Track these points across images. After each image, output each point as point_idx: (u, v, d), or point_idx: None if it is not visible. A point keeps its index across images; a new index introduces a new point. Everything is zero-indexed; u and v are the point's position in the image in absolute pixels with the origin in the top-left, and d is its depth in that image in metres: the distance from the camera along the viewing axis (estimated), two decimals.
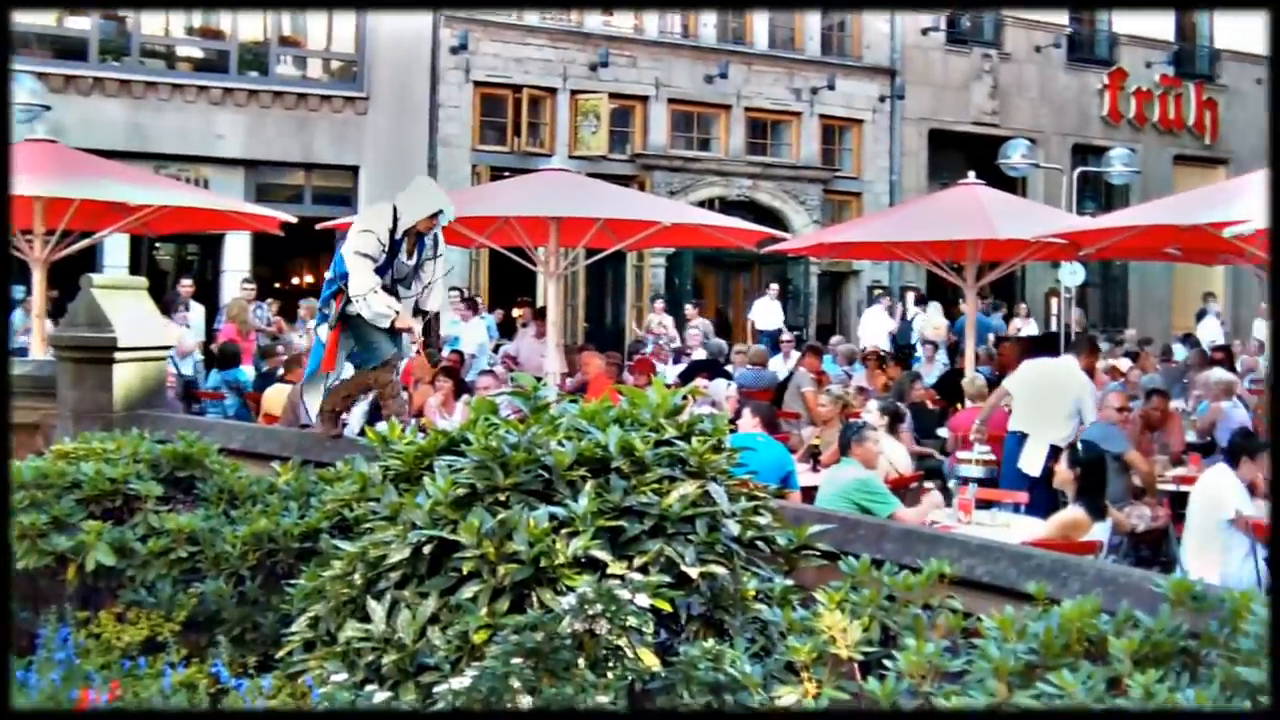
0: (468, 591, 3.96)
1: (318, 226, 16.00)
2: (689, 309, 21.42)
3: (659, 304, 21.55)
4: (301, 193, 21.98)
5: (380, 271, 8.11)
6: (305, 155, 21.61)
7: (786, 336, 19.75)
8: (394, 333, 8.28)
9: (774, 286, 23.27)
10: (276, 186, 21.80)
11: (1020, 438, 10.38)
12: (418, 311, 8.41)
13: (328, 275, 8.45)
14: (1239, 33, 29.98)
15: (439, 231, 8.45)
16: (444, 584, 4.07)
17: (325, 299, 8.36)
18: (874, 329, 22.28)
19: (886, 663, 3.49)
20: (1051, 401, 10.33)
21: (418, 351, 8.56)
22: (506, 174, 20.13)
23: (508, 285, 21.66)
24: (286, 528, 5.40)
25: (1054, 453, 9.94)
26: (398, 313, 8.16)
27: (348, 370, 8.43)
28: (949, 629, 3.78)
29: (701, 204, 22.64)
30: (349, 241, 8.17)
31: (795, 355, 17.38)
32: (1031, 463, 10.09)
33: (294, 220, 14.85)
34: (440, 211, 8.18)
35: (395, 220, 8.12)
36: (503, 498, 4.22)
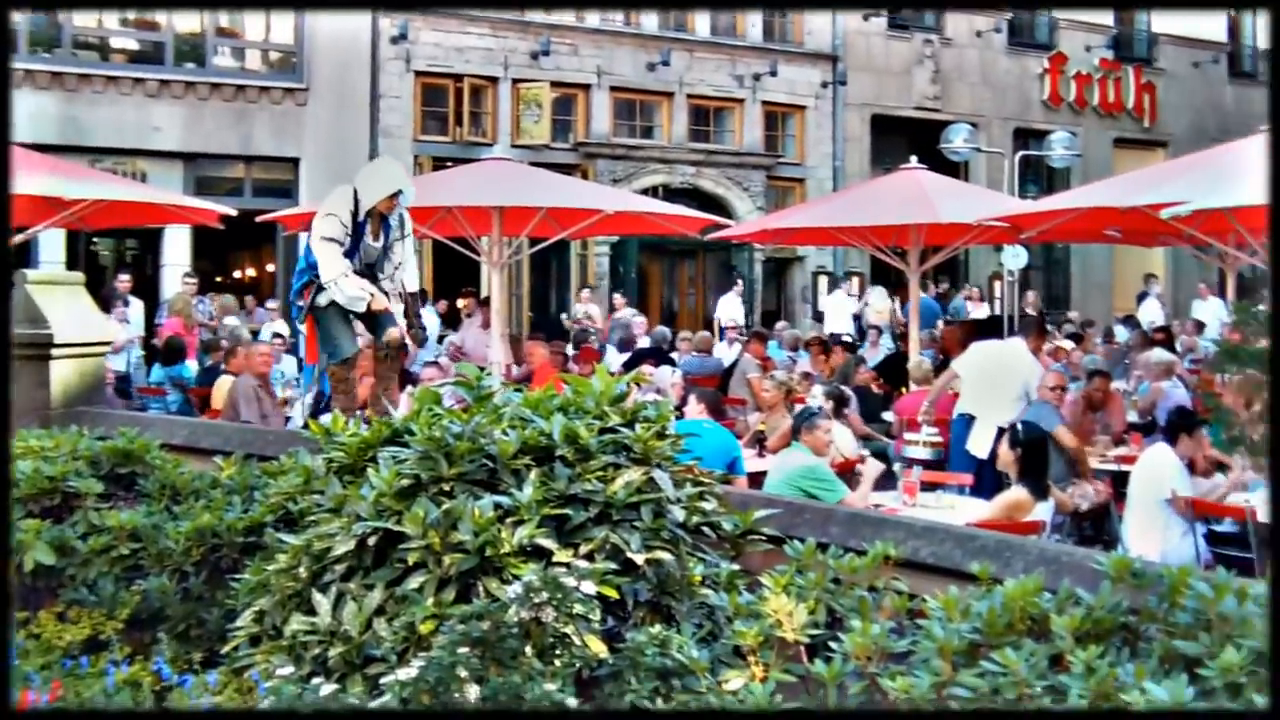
0: (413, 582, 3.96)
1: (258, 219, 15.91)
2: (617, 298, 21.38)
3: (585, 293, 21.51)
4: (241, 185, 21.82)
5: (348, 255, 8.03)
6: (244, 148, 21.44)
7: (728, 322, 19.81)
8: (371, 316, 8.20)
9: (739, 283, 23.39)
10: (216, 179, 21.62)
11: (968, 420, 10.46)
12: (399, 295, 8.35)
13: (297, 267, 8.37)
14: (1176, 17, 30.35)
15: (404, 212, 8.37)
16: (389, 575, 4.06)
17: (296, 291, 8.27)
18: (838, 314, 22.42)
19: (833, 645, 3.51)
20: (1000, 384, 10.41)
21: (398, 343, 8.43)
22: (449, 164, 20.07)
23: (452, 275, 21.59)
24: (230, 522, 5.37)
25: (1002, 435, 10.04)
26: (373, 294, 8.08)
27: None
28: (894, 610, 3.81)
29: (645, 192, 22.67)
30: (314, 228, 8.10)
31: (740, 341, 17.45)
32: (979, 445, 10.17)
33: (234, 213, 14.75)
34: (400, 191, 8.12)
35: (356, 202, 8.05)
36: (447, 488, 4.21)
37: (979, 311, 23.15)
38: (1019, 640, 3.27)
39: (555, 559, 3.90)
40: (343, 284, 7.90)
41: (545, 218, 13.49)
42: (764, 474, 8.64)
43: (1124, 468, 9.72)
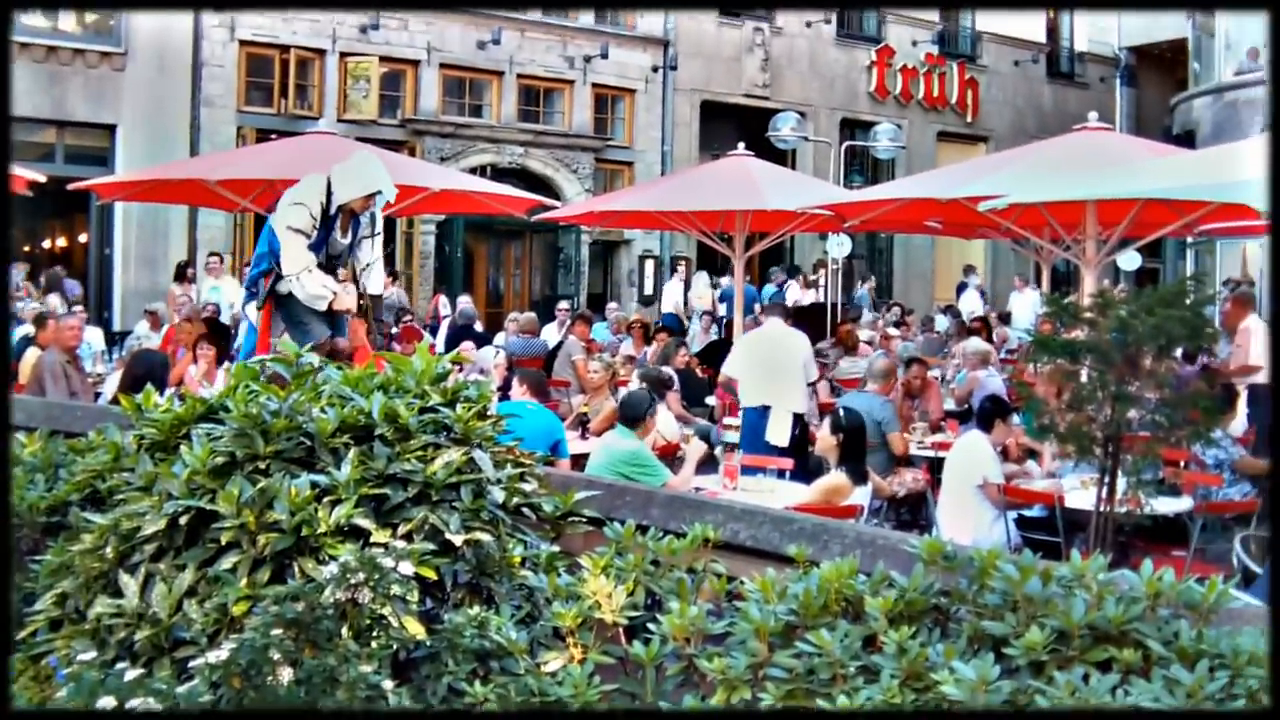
0: (226, 562, 3.87)
1: (71, 187, 15.36)
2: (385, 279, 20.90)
3: (342, 272, 20.89)
4: (53, 151, 21.06)
5: (314, 248, 7.71)
6: (57, 112, 20.69)
7: (562, 305, 19.82)
8: (331, 314, 7.90)
9: (681, 266, 23.58)
10: (25, 144, 20.80)
11: (761, 411, 10.55)
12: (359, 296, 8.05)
13: (256, 250, 8.01)
14: (998, 17, 31.25)
15: (376, 211, 8.07)
16: (202, 555, 3.96)
17: (253, 277, 7.90)
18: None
19: (651, 626, 3.55)
20: (783, 369, 10.56)
21: (346, 354, 8.15)
22: (273, 136, 19.66)
23: None
24: (32, 501, 5.17)
25: (798, 420, 10.23)
26: (335, 294, 7.78)
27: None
28: (713, 592, 3.86)
29: (473, 171, 22.50)
30: (279, 214, 7.73)
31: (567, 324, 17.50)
32: (778, 434, 10.29)
33: (44, 180, 14.21)
34: (379, 191, 7.84)
35: (329, 194, 7.74)
36: (263, 466, 4.12)
37: (806, 299, 23.54)
38: (834, 621, 3.33)
39: (373, 539, 3.85)
40: (305, 279, 7.57)
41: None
42: (588, 456, 8.67)
43: (940, 454, 9.97)
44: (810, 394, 11.35)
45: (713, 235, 15.16)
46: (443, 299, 21.27)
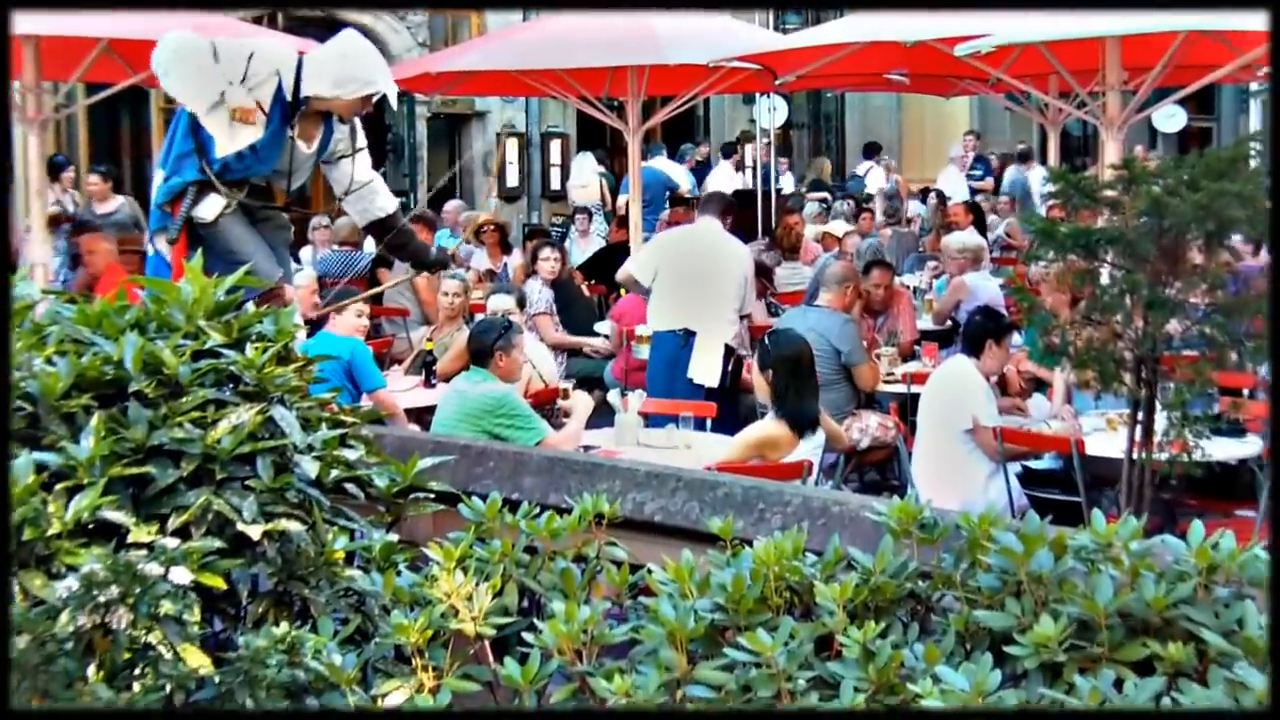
0: None
1: None
2: (93, 181, 19.08)
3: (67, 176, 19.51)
4: None
5: (258, 157, 7.42)
6: None
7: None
8: (275, 240, 7.77)
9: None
10: None
11: (683, 337, 10.54)
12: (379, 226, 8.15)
13: (171, 151, 7.65)
14: None
15: (357, 120, 7.87)
16: None
17: (163, 196, 7.55)
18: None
19: (528, 637, 3.55)
20: (713, 285, 10.55)
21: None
22: None
23: None
24: None
25: (731, 354, 10.23)
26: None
27: None
28: (611, 587, 3.87)
29: (258, 21, 22.17)
30: (188, 80, 7.38)
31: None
32: (706, 370, 10.20)
33: None
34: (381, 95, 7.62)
35: (297, 79, 7.42)
36: None
37: (729, 183, 23.50)
38: (775, 619, 3.36)
39: (132, 539, 3.80)
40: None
41: (107, 53, 13.07)
42: (433, 409, 8.66)
43: (915, 389, 10.02)
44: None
45: (597, 102, 15.11)
46: None
